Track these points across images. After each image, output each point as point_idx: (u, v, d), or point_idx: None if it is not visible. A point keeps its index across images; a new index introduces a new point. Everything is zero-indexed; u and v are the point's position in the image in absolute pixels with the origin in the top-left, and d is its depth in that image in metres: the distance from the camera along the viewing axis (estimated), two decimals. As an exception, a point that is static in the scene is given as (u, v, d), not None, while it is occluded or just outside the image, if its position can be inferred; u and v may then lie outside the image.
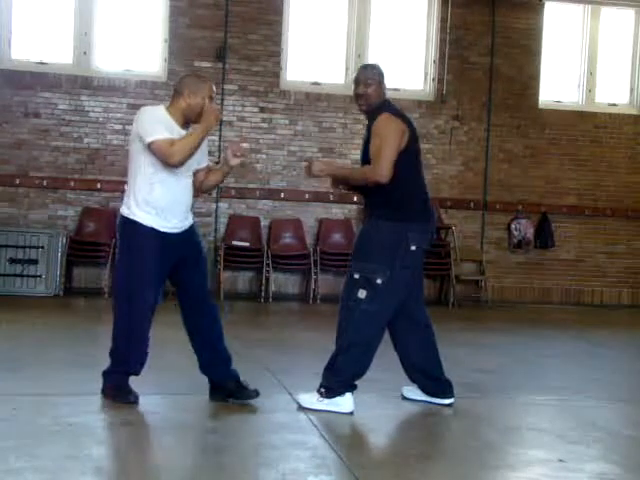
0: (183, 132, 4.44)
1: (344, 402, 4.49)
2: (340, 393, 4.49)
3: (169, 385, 5.04)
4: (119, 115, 10.18)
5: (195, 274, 4.57)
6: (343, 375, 4.51)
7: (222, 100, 10.32)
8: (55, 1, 10.23)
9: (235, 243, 10.15)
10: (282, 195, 10.51)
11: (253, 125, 10.49)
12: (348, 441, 4.17)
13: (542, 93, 11.24)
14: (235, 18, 10.35)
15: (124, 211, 4.46)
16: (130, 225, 4.41)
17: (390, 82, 4.89)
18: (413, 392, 4.82)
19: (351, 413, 4.48)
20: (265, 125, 10.50)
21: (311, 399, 4.53)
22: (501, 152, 11.13)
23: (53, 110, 10.06)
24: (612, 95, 11.53)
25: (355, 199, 10.65)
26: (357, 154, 11.52)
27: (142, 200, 4.39)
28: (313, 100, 10.63)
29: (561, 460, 3.81)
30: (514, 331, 8.58)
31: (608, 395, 5.42)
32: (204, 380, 4.66)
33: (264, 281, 10.02)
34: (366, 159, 4.58)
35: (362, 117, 10.91)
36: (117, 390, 4.49)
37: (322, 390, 4.52)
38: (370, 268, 4.48)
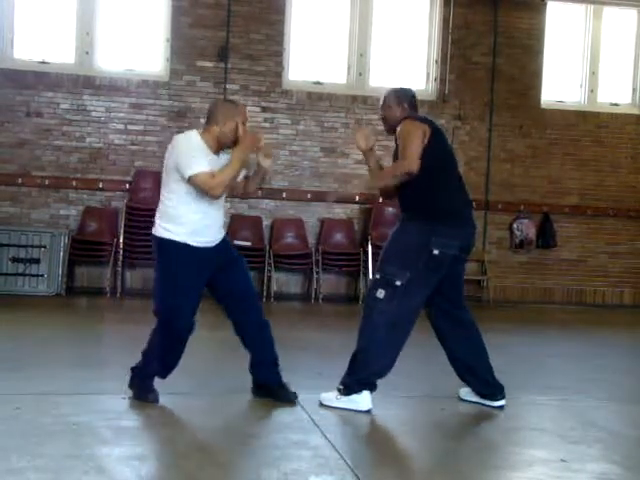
0: (216, 158, 4.47)
1: (361, 400, 4.52)
2: (357, 391, 4.53)
3: (169, 385, 5.04)
4: (121, 115, 10.19)
5: (237, 277, 4.63)
6: (360, 373, 4.54)
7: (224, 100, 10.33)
8: (57, 1, 10.24)
9: (237, 243, 10.13)
10: (284, 195, 10.52)
11: (255, 125, 10.47)
12: (350, 441, 4.17)
13: (544, 93, 11.24)
14: (237, 18, 10.36)
15: (158, 231, 4.50)
16: (165, 244, 4.46)
17: (390, 82, 4.95)
18: (468, 394, 4.85)
19: (368, 411, 4.51)
20: (267, 125, 10.50)
21: (330, 397, 4.59)
22: (503, 152, 11.13)
23: (55, 109, 10.07)
24: (614, 95, 11.53)
25: (357, 199, 10.69)
26: (359, 154, 11.54)
27: (176, 220, 4.44)
28: (315, 100, 10.63)
29: (563, 460, 3.81)
30: (516, 331, 8.58)
31: (609, 395, 5.42)
32: (204, 380, 4.68)
33: (266, 281, 10.02)
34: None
35: (364, 117, 10.99)
36: (140, 388, 4.57)
37: (340, 388, 4.57)
38: (390, 269, 4.52)
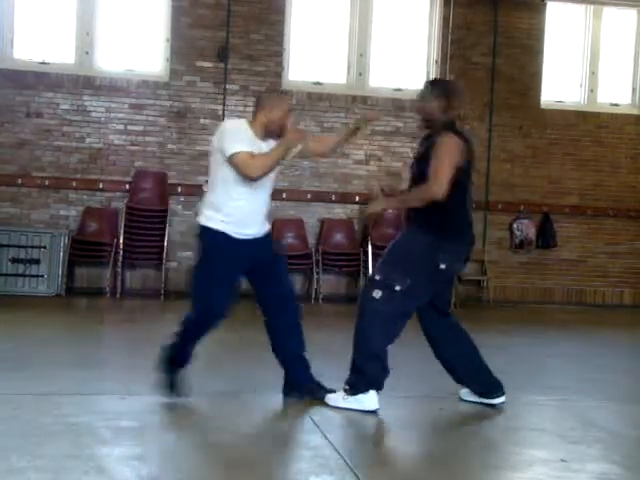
0: (264, 145, 4.53)
1: (367, 400, 4.52)
2: (363, 391, 4.53)
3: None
4: (121, 115, 10.19)
5: (275, 278, 4.68)
6: (363, 373, 4.54)
7: (224, 100, 10.34)
8: (57, 1, 10.24)
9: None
10: (284, 195, 10.51)
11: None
12: (350, 441, 4.17)
13: (544, 93, 11.25)
14: (237, 18, 10.36)
15: (202, 220, 4.58)
16: (208, 233, 4.54)
17: (391, 82, 4.92)
18: (468, 394, 4.86)
19: (374, 411, 4.51)
20: (267, 125, 10.49)
21: (337, 397, 4.59)
22: (503, 152, 11.13)
23: (55, 110, 10.08)
24: (614, 95, 11.53)
25: (357, 199, 10.68)
26: (358, 154, 11.57)
27: (221, 210, 4.50)
28: (315, 100, 10.63)
29: (563, 460, 3.81)
30: (516, 331, 8.58)
31: (609, 395, 5.42)
32: (204, 380, 4.67)
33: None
34: (421, 175, 4.57)
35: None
36: (164, 382, 4.59)
37: (346, 388, 4.57)
38: (392, 274, 4.51)
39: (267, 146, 4.55)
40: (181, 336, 4.58)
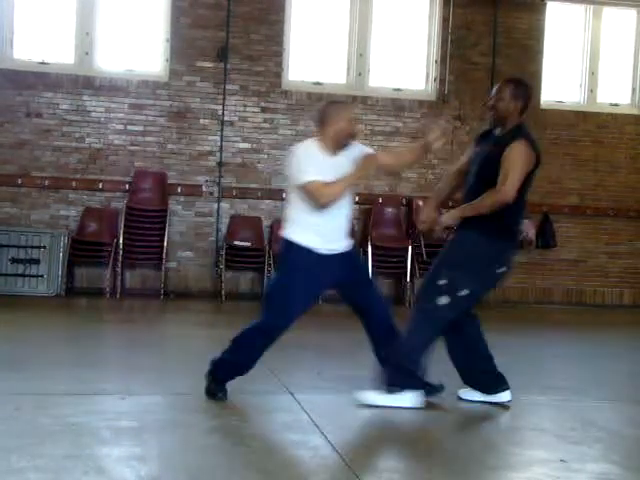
0: (336, 160, 4.58)
1: (410, 397, 4.56)
2: (404, 388, 4.56)
3: (169, 385, 5.05)
4: (121, 115, 10.19)
5: (363, 296, 4.73)
6: (407, 371, 4.57)
7: (224, 100, 10.34)
8: (57, 1, 10.24)
9: (237, 243, 10.16)
10: (284, 195, 10.49)
11: (255, 125, 10.49)
12: (350, 441, 4.17)
13: (544, 93, 11.24)
14: (237, 18, 10.35)
15: (287, 233, 4.62)
16: (292, 247, 4.58)
17: (391, 82, 4.93)
18: (468, 393, 4.88)
19: (417, 408, 4.55)
20: (267, 125, 10.50)
21: (376, 395, 4.60)
22: (503, 152, 11.12)
23: (55, 110, 10.07)
24: (614, 95, 11.53)
25: (356, 199, 10.67)
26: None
27: (305, 225, 4.56)
28: (315, 100, 10.61)
29: (562, 460, 3.81)
30: (515, 331, 8.58)
31: (609, 395, 5.42)
32: (203, 380, 4.67)
33: (266, 281, 10.02)
34: (486, 177, 4.56)
35: (364, 117, 10.99)
36: (214, 384, 4.64)
37: (389, 386, 4.59)
38: (457, 278, 4.53)
39: (339, 159, 4.60)
40: (240, 344, 4.62)
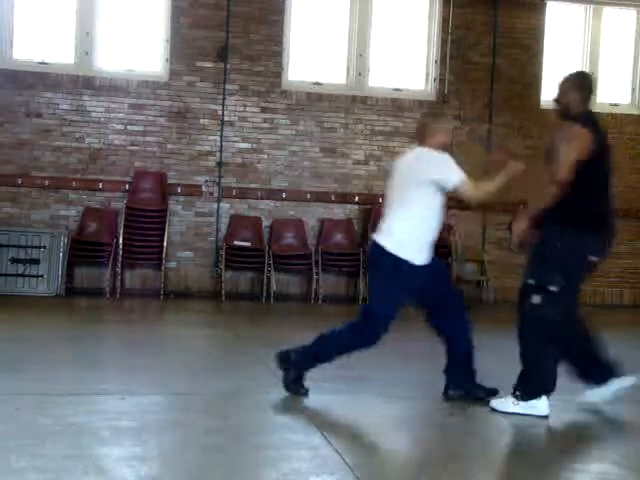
0: None
1: (540, 405, 4.55)
2: (535, 396, 4.55)
3: (169, 385, 5.05)
4: (121, 115, 10.19)
5: (438, 289, 4.86)
6: (534, 378, 4.58)
7: (223, 100, 10.34)
8: (57, 1, 10.24)
9: (237, 243, 10.16)
10: (283, 195, 10.52)
11: (254, 125, 10.49)
12: (350, 441, 4.17)
13: (544, 93, 11.23)
14: (236, 18, 10.35)
15: (382, 240, 4.69)
16: (387, 255, 4.66)
17: (391, 82, 4.95)
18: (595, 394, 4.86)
19: (546, 417, 4.52)
20: (266, 125, 10.50)
21: (506, 403, 4.61)
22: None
23: (55, 110, 10.07)
24: (614, 95, 11.52)
25: (357, 199, 10.68)
26: (358, 154, 11.55)
27: (412, 241, 4.66)
28: (314, 100, 10.63)
29: (562, 460, 3.81)
30: (515, 331, 8.55)
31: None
32: (203, 380, 4.67)
33: (265, 281, 10.02)
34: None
35: (364, 117, 11.02)
36: (294, 382, 4.73)
37: (517, 394, 4.58)
38: (544, 275, 4.55)
39: None
40: (332, 342, 4.74)
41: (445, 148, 4.71)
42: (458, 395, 4.82)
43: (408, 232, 4.65)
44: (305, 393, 4.73)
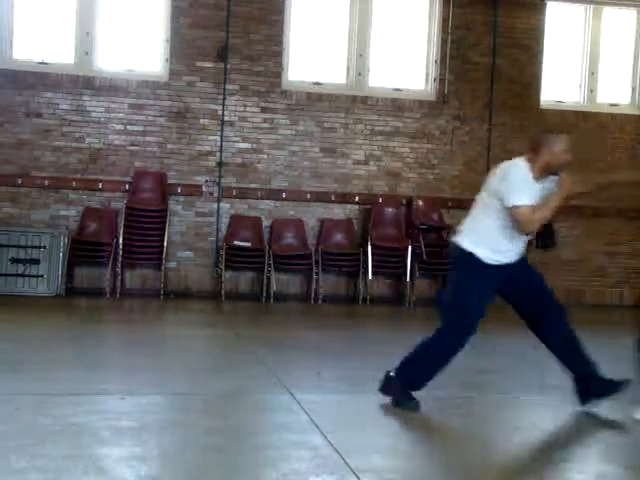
0: (537, 187, 4.64)
1: None
2: None
3: (169, 385, 5.05)
4: (121, 115, 10.19)
5: (532, 287, 5.09)
6: None
7: (223, 100, 10.34)
8: (57, 1, 10.24)
9: (237, 243, 10.16)
10: (284, 195, 10.52)
11: (254, 125, 10.49)
12: (350, 442, 4.16)
13: (544, 93, 11.24)
14: (236, 18, 10.35)
15: (464, 243, 4.69)
16: (469, 257, 4.66)
17: (391, 82, 4.92)
18: None
19: None
20: (266, 125, 10.50)
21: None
22: (503, 152, 11.07)
23: (55, 110, 10.07)
24: (614, 95, 11.53)
25: (357, 199, 10.68)
26: (358, 154, 11.57)
27: (485, 243, 4.66)
28: (314, 100, 10.63)
29: (562, 460, 3.81)
30: (515, 331, 8.54)
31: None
32: (204, 380, 4.67)
33: (265, 281, 10.02)
34: None
35: (364, 117, 11.03)
36: (402, 395, 4.65)
37: None
38: None
39: (540, 186, 4.64)
40: (427, 355, 4.68)
41: (558, 167, 4.63)
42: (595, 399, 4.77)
43: (479, 234, 4.67)
44: (416, 407, 4.63)
